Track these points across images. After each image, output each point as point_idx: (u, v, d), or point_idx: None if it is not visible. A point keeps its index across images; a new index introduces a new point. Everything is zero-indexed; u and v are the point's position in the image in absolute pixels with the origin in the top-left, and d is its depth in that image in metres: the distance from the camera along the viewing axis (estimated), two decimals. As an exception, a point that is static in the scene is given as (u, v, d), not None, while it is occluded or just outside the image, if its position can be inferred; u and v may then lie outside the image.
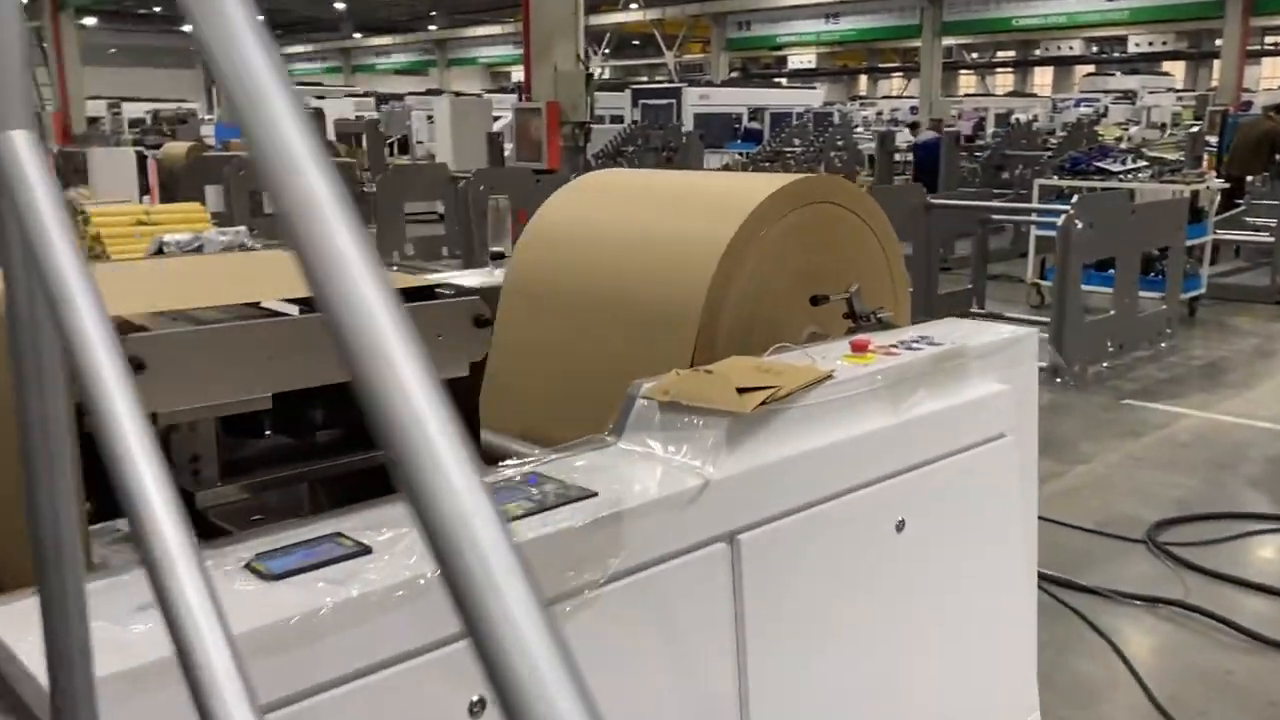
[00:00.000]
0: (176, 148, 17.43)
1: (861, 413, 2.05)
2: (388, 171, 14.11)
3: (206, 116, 25.57)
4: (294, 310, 1.89)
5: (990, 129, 25.33)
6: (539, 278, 2.85)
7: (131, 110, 29.19)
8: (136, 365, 1.48)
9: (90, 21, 42.94)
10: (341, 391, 1.83)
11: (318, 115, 19.33)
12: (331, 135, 19.61)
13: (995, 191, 12.74)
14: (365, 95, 31.56)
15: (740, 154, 20.46)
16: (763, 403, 1.83)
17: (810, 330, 2.64)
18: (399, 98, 29.10)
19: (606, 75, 48.21)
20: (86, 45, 44.07)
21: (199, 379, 1.55)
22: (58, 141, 24.40)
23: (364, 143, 19.22)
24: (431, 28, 52.08)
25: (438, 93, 28.72)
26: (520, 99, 16.03)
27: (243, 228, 12.42)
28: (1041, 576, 4.08)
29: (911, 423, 2.13)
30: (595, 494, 1.65)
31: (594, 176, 3.15)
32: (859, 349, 2.18)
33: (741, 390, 1.85)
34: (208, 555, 1.39)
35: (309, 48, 58.31)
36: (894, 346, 2.26)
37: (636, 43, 49.52)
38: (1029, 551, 2.59)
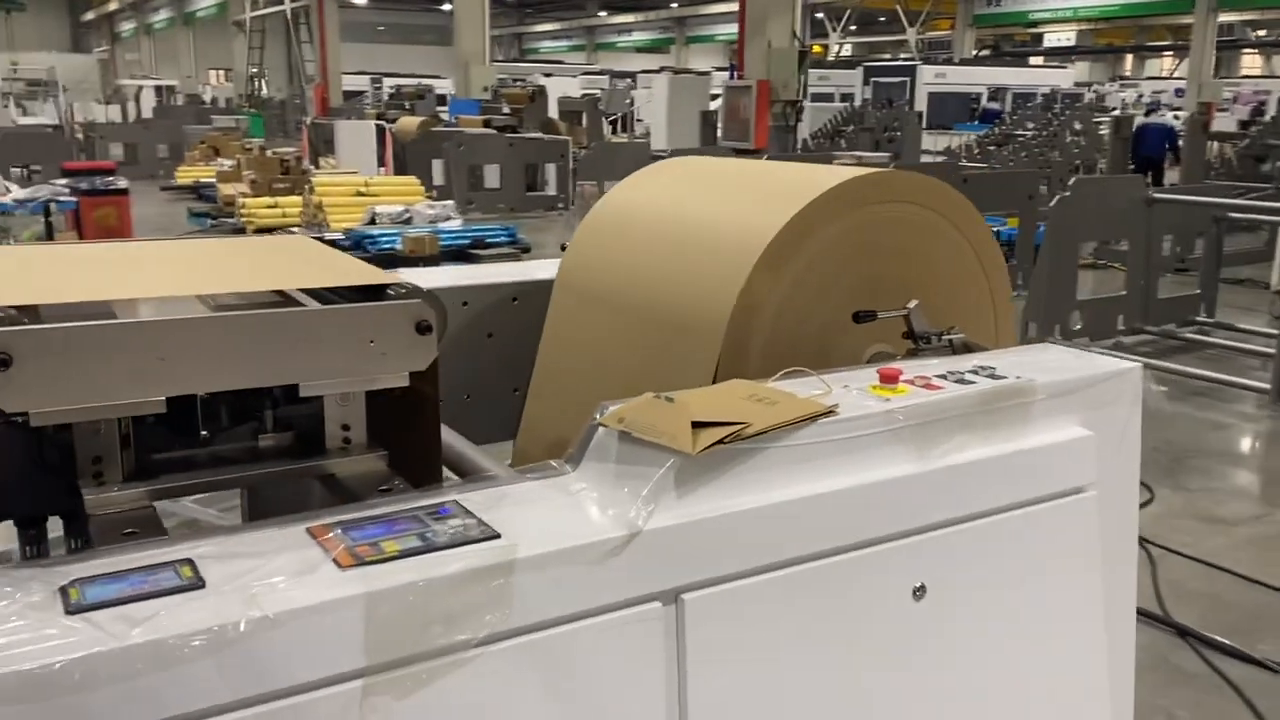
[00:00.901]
0: (409, 122, 18.32)
1: (872, 458, 1.73)
2: (589, 148, 14.23)
3: (450, 93, 26.74)
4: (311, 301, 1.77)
5: (1270, 113, 22.79)
6: (584, 272, 2.66)
7: (392, 85, 30.94)
8: (4, 361, 1.40)
9: (361, 1, 46.03)
10: (290, 395, 1.71)
11: (540, 93, 19.77)
12: (554, 112, 20.03)
13: (1251, 186, 11.33)
14: (600, 73, 32.14)
15: (968, 135, 19.31)
16: (721, 441, 1.56)
17: (875, 350, 2.31)
18: (630, 75, 29.43)
19: (847, 52, 46.94)
20: (357, 23, 47.26)
21: (76, 378, 1.45)
22: (317, 113, 26.25)
23: (584, 120, 19.54)
24: (673, 4, 52.38)
25: (679, 71, 28.88)
26: (732, 77, 15.76)
27: (450, 202, 12.90)
28: (1200, 640, 3.52)
29: (944, 472, 1.78)
30: (498, 536, 1.45)
31: (671, 163, 2.91)
32: (888, 380, 1.85)
33: (701, 424, 1.58)
34: (31, 573, 1.30)
35: (556, 25, 60.13)
36: (940, 378, 1.91)
37: (883, 19, 47.92)
38: (1123, 627, 2.16)
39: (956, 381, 1.90)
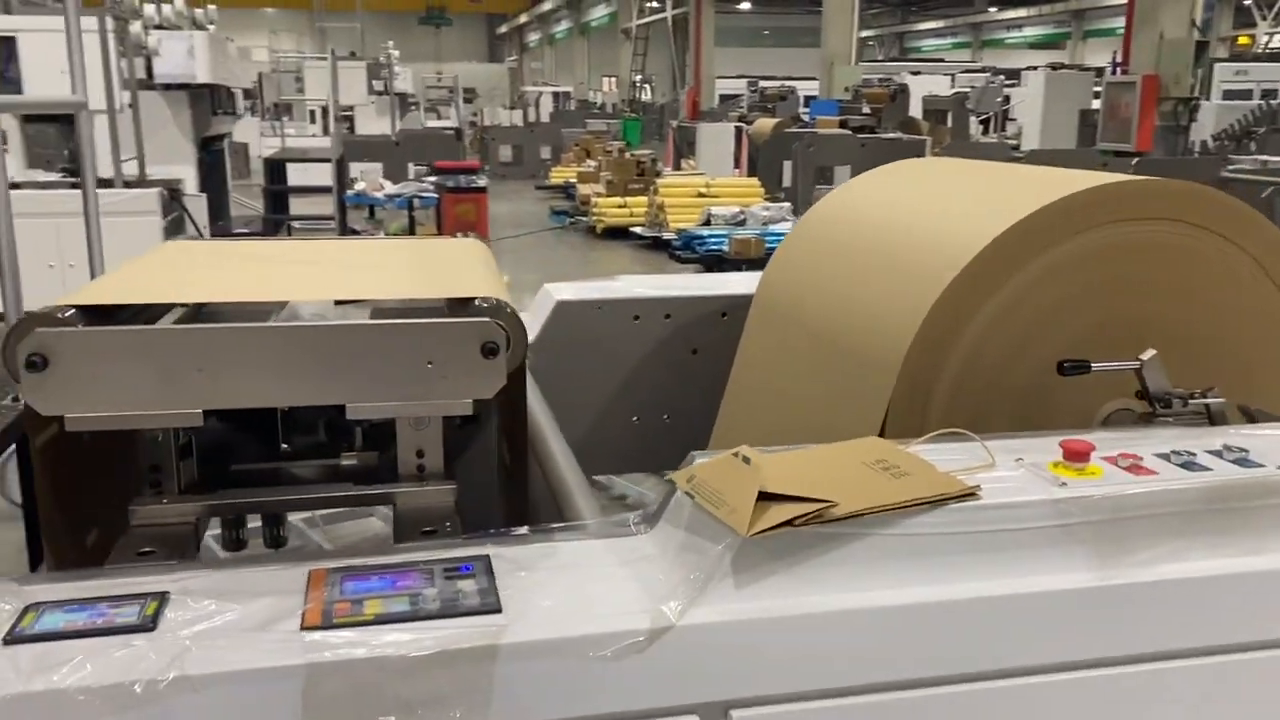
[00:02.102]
0: (765, 123, 18.29)
1: (1026, 561, 1.29)
2: (944, 149, 13.37)
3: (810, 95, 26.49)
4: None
5: None
6: (778, 286, 2.33)
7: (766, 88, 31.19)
8: (41, 362, 1.37)
9: (744, 6, 46.96)
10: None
11: (902, 91, 18.98)
12: (917, 111, 19.12)
13: None
14: (981, 70, 30.37)
15: None
16: (789, 523, 1.22)
17: (1115, 408, 1.80)
18: (1014, 73, 27.55)
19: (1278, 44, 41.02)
20: (739, 29, 48.28)
21: (112, 385, 1.40)
22: (687, 117, 27.05)
23: (949, 120, 18.49)
24: (1069, -3, 48.48)
25: (1057, 67, 26.69)
26: (1114, 72, 14.17)
27: (787, 204, 12.65)
28: None
29: (1138, 590, 1.31)
30: (498, 610, 1.21)
31: (905, 164, 2.50)
32: (1074, 456, 1.39)
33: (774, 497, 1.24)
34: (12, 588, 1.24)
35: (940, 23, 57.87)
36: (1160, 458, 1.41)
37: (1326, 2, 41.34)
38: None
39: (1183, 465, 1.39)
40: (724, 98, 30.54)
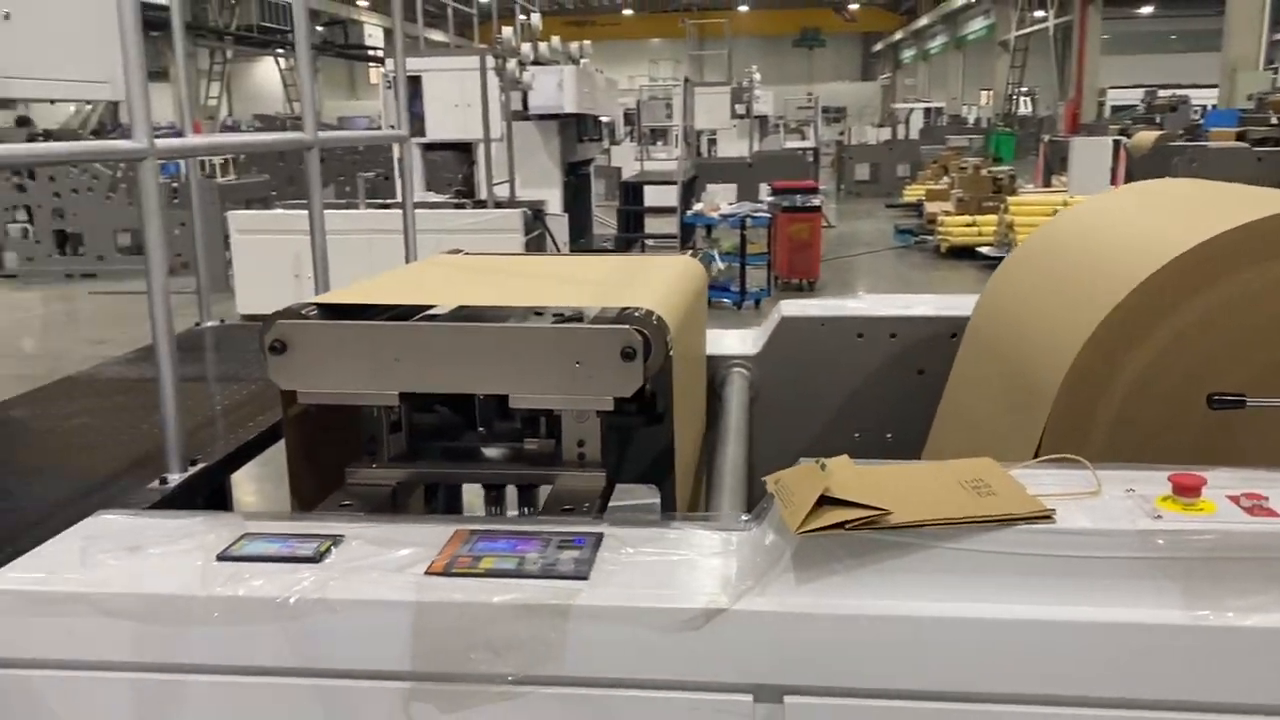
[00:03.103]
0: (1145, 136, 16.83)
1: (1106, 590, 1.26)
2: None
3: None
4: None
5: None
6: (985, 310, 2.30)
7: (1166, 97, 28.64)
8: (281, 347, 1.74)
9: (1145, 10, 43.25)
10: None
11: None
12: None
13: None
14: None
15: None
16: (839, 525, 1.28)
17: (1317, 449, 1.65)
18: None
19: None
20: (1140, 34, 44.38)
21: (331, 368, 1.73)
22: (1065, 130, 25.41)
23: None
24: None
25: None
26: None
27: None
28: None
29: (1233, 634, 1.23)
30: (584, 578, 1.39)
31: (1154, 184, 2.35)
32: (1184, 490, 1.32)
33: (835, 502, 1.31)
34: (237, 520, 1.60)
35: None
36: (1299, 500, 1.31)
37: None
38: None
39: (1320, 511, 1.28)
40: (1116, 109, 28.34)
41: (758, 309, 9.82)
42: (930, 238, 13.95)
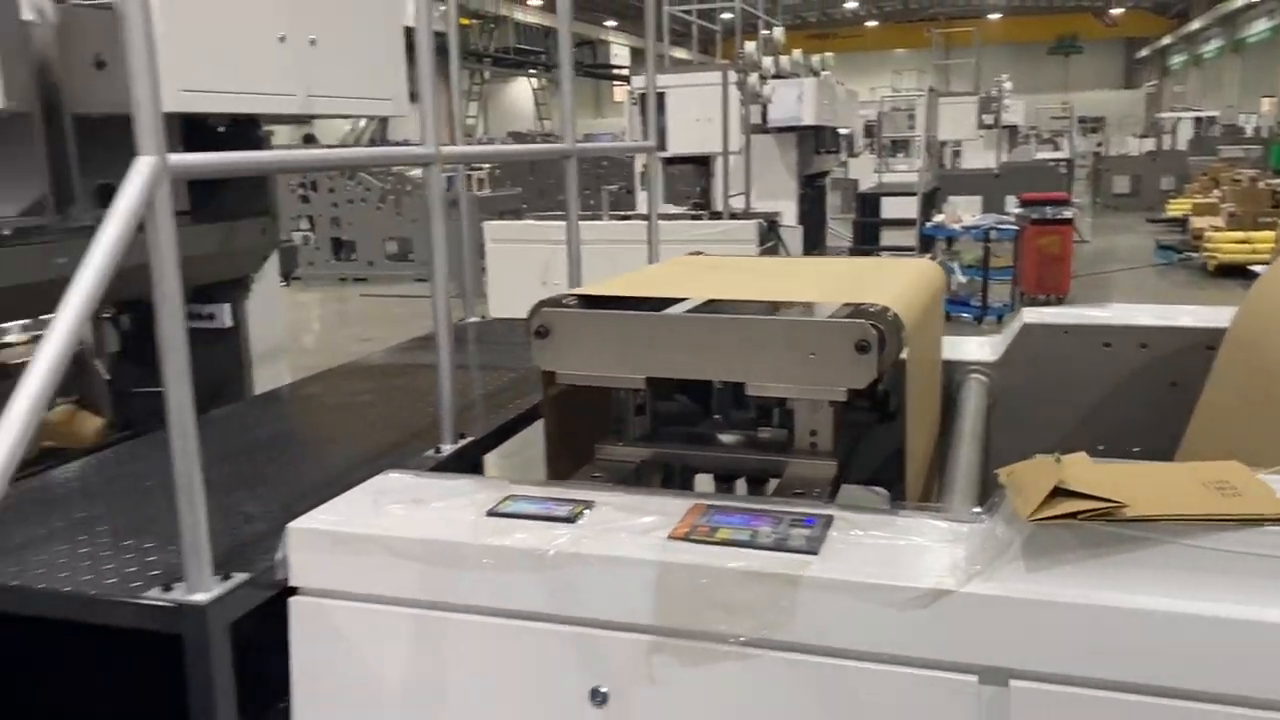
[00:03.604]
0: None
1: (1362, 598, 1.22)
2: None
3: None
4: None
5: None
6: (1247, 320, 2.19)
7: None
8: (544, 332, 1.92)
9: None
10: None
11: None
12: None
13: None
14: None
15: None
16: (1071, 515, 1.30)
17: None
18: None
19: None
20: None
21: (587, 352, 1.89)
22: None
23: None
24: None
25: None
26: None
27: None
28: None
29: None
30: (813, 553, 1.47)
31: None
32: None
33: (1067, 494, 1.34)
34: (504, 485, 1.79)
35: None
36: None
37: None
38: None
39: None
40: None
41: (1000, 325, 9.49)
42: (1196, 255, 12.97)
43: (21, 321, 3.24)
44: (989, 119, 19.58)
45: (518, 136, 27.31)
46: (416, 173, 14.87)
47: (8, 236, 2.63)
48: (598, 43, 35.25)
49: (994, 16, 44.28)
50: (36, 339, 3.29)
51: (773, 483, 1.97)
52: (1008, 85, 20.01)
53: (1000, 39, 43.13)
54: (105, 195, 2.86)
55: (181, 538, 1.49)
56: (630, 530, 1.58)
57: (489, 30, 29.29)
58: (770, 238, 9.73)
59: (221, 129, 3.22)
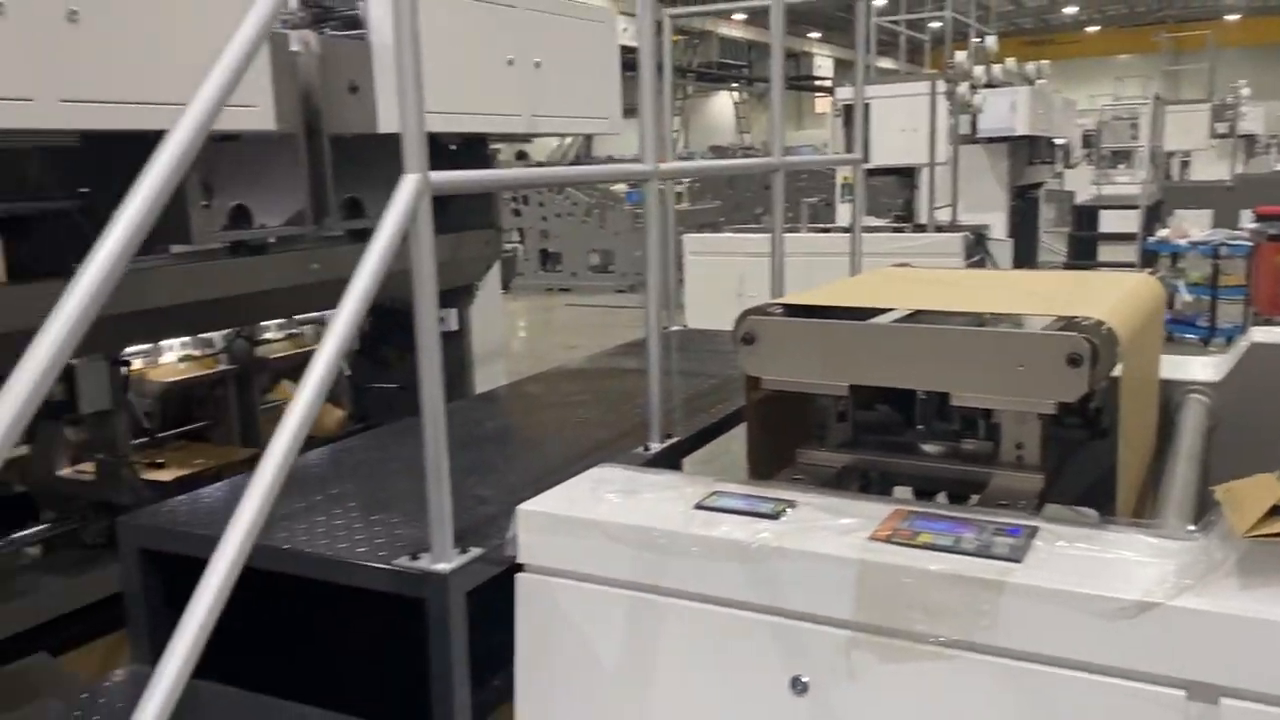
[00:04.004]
0: None
1: None
2: None
3: None
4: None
5: None
6: None
7: None
8: (750, 338, 2.01)
9: None
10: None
11: None
12: None
13: None
14: None
15: None
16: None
17: None
18: None
19: None
20: None
21: (791, 359, 1.97)
22: None
23: None
24: None
25: None
26: None
27: None
28: None
29: None
30: (1016, 561, 1.50)
31: None
32: None
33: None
34: (712, 481, 1.89)
35: None
36: None
37: None
38: None
39: None
40: None
41: (1229, 347, 8.86)
42: None
43: (278, 320, 3.61)
44: (1223, 128, 18.27)
45: (718, 150, 27.56)
46: (620, 188, 15.32)
47: (273, 244, 2.96)
48: (801, 55, 35.08)
49: (1232, 18, 41.16)
50: (292, 336, 3.67)
51: (974, 498, 1.99)
52: (1245, 91, 18.62)
53: (1238, 42, 40.04)
54: (352, 208, 3.20)
55: (429, 512, 1.67)
56: (832, 529, 1.65)
57: (693, 46, 29.70)
58: (977, 251, 9.47)
59: (453, 147, 3.49)
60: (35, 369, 1.20)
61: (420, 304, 1.61)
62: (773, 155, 2.99)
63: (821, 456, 2.07)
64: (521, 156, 4.46)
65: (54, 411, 2.79)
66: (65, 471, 3.02)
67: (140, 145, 2.04)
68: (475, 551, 1.71)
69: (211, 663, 1.39)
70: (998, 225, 10.70)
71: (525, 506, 1.80)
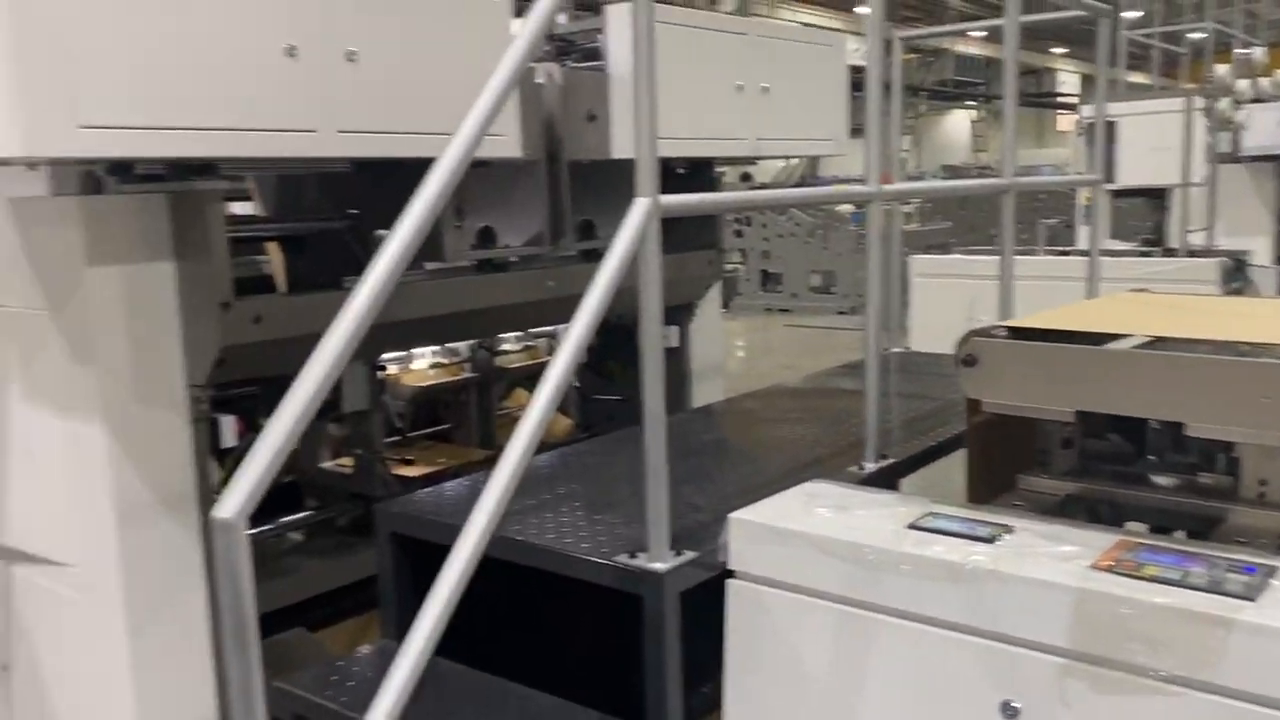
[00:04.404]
0: None
1: None
2: None
3: None
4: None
5: None
6: None
7: None
8: (972, 360, 2.00)
9: None
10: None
11: None
12: None
13: None
14: None
15: None
16: None
17: None
18: None
19: None
20: None
21: (1014, 382, 1.94)
22: None
23: None
24: None
25: None
26: None
27: None
28: None
29: None
30: (1249, 601, 1.44)
31: None
32: None
33: None
34: (926, 503, 1.90)
35: None
36: None
37: None
38: None
39: None
40: None
41: None
42: None
43: (514, 334, 3.86)
44: None
45: (951, 170, 26.75)
46: (845, 208, 15.17)
47: (513, 263, 3.18)
48: (1043, 71, 33.55)
49: None
50: (528, 348, 3.91)
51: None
52: None
53: None
54: (585, 230, 3.38)
55: (647, 514, 1.77)
56: (1050, 556, 1.62)
57: (927, 64, 29.01)
58: (1237, 278, 8.75)
59: (681, 171, 3.62)
60: (319, 372, 1.38)
61: (646, 320, 1.71)
62: (1003, 176, 2.94)
63: (1044, 484, 2.03)
64: (746, 178, 4.55)
65: (322, 410, 3.10)
66: (327, 464, 3.34)
67: (402, 171, 2.29)
68: (689, 555, 1.80)
69: (450, 643, 1.54)
70: (1262, 251, 9.85)
71: (738, 515, 1.87)
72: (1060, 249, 9.62)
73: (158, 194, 2.43)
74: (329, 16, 2.32)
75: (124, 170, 2.38)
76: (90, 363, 2.37)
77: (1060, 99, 30.52)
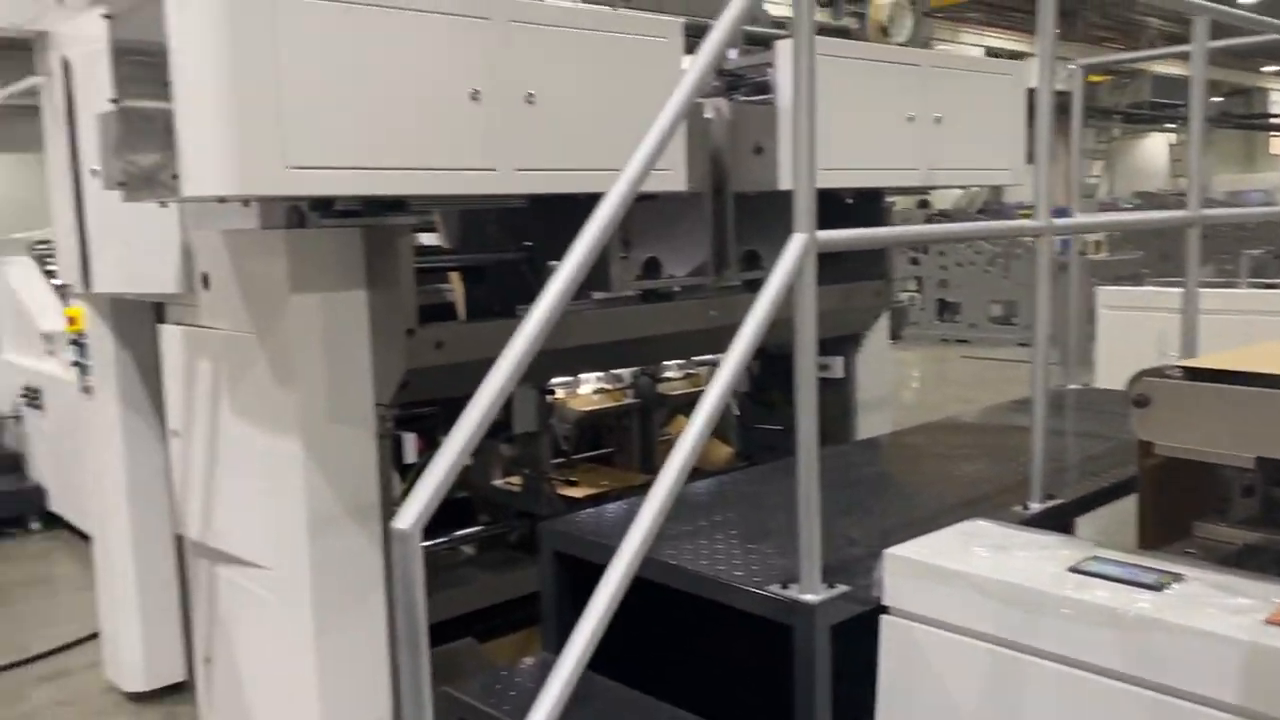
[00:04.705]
0: None
1: None
2: None
3: None
4: None
5: None
6: None
7: None
8: (1144, 401, 1.93)
9: None
10: None
11: None
12: None
13: None
14: None
15: None
16: None
17: None
18: None
19: None
20: None
21: (1190, 425, 1.85)
22: None
23: None
24: None
25: None
26: None
27: None
28: None
29: None
30: None
31: None
32: None
33: None
34: (1071, 544, 1.85)
35: None
36: None
37: None
38: None
39: None
40: None
41: None
42: None
43: (677, 361, 3.93)
44: None
45: (1146, 197, 25.35)
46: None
47: (677, 293, 3.26)
48: (1254, 90, 31.40)
49: None
50: (689, 376, 3.98)
51: None
52: None
53: None
54: (749, 260, 3.43)
55: (799, 546, 1.80)
56: (1221, 608, 1.56)
57: (1122, 86, 27.65)
58: None
59: (849, 200, 3.62)
60: (491, 394, 1.48)
61: (800, 352, 1.74)
62: (1189, 208, 2.81)
63: (1221, 532, 1.93)
64: (924, 205, 4.49)
65: (493, 430, 3.26)
66: (498, 482, 3.50)
67: (573, 205, 2.40)
68: (842, 588, 1.81)
69: (606, 660, 1.61)
70: None
71: (893, 551, 1.86)
72: (1266, 281, 9.00)
73: (353, 228, 2.63)
74: (512, 61, 2.47)
75: (325, 206, 2.60)
76: (290, 383, 2.58)
77: (1272, 119, 28.46)
